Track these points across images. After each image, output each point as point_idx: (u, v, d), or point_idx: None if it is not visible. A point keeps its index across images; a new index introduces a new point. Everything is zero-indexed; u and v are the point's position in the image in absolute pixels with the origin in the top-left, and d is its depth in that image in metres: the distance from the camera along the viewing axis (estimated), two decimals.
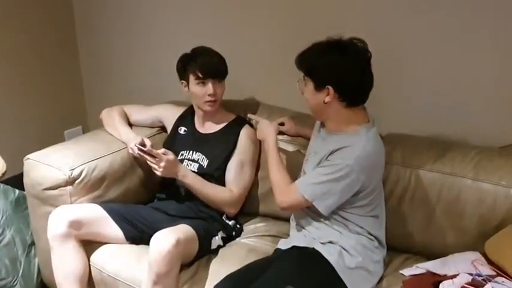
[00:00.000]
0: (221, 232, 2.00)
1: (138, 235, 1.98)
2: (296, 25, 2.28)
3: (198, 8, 2.56)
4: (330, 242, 1.74)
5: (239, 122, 2.16)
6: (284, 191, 1.77)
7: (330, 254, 1.69)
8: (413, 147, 1.99)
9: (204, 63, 2.04)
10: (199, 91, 2.05)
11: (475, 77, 1.99)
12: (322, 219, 1.77)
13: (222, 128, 2.15)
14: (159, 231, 1.76)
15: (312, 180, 1.70)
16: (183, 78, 2.11)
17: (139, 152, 1.98)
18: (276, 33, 2.35)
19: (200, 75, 2.03)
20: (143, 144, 2.02)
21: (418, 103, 2.13)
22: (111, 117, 2.23)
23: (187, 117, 2.22)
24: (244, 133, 2.12)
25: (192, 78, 2.06)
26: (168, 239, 1.72)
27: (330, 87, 1.65)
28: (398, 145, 2.00)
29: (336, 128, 1.74)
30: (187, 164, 2.10)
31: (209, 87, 2.04)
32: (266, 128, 1.96)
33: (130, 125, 2.27)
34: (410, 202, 1.91)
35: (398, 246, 1.95)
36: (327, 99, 1.68)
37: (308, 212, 1.79)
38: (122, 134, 2.17)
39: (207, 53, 2.09)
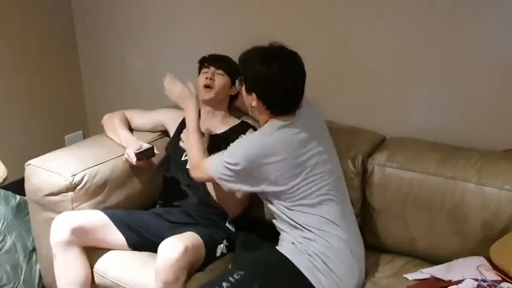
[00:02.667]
0: (225, 241, 1.99)
1: (141, 242, 1.97)
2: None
3: (200, 12, 2.56)
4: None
5: (243, 127, 2.15)
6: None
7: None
8: (415, 151, 1.98)
9: (212, 56, 2.16)
10: (200, 78, 2.12)
11: (476, 80, 2.00)
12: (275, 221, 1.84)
13: (226, 131, 2.14)
14: (168, 239, 1.75)
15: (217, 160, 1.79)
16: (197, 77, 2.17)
17: (138, 160, 2.02)
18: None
19: (206, 63, 2.13)
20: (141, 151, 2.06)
21: (419, 108, 2.13)
22: (112, 123, 2.23)
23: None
24: None
25: (201, 71, 2.15)
26: (176, 246, 1.71)
27: (254, 94, 1.76)
28: (400, 149, 2.00)
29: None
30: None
31: (209, 72, 2.10)
32: (188, 98, 1.99)
33: (131, 130, 2.26)
34: (413, 206, 1.90)
35: (401, 250, 1.95)
36: (254, 103, 1.78)
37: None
38: (122, 139, 2.16)
39: (220, 55, 2.18)
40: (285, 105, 1.75)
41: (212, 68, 2.12)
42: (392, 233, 1.96)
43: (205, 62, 2.17)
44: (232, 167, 1.73)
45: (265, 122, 1.78)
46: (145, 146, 2.09)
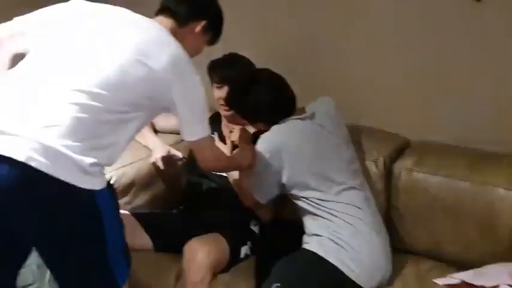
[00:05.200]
0: (249, 242, 2.00)
1: (167, 243, 1.98)
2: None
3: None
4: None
5: (259, 134, 2.15)
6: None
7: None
8: (442, 155, 1.99)
9: (223, 69, 2.06)
10: (217, 94, 2.09)
11: (504, 84, 1.99)
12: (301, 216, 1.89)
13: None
14: (192, 240, 1.76)
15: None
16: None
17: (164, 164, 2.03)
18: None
19: (217, 79, 2.07)
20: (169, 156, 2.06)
21: (444, 112, 2.12)
22: None
23: (215, 123, 2.22)
24: None
25: (213, 82, 2.09)
26: (201, 248, 1.72)
27: (259, 123, 1.93)
28: (427, 153, 2.01)
29: None
30: None
31: (224, 91, 2.05)
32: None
33: (156, 131, 2.27)
34: (441, 211, 1.90)
35: (427, 254, 1.94)
36: (262, 127, 1.91)
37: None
38: (148, 141, 2.17)
39: (232, 58, 2.10)
40: (282, 114, 1.88)
41: (226, 87, 2.05)
42: (418, 236, 1.95)
43: (215, 75, 2.08)
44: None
45: None
46: (173, 150, 2.11)
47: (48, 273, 2.15)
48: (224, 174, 2.07)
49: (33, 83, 1.34)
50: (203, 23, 1.60)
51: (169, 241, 1.97)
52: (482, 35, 1.97)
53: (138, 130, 1.49)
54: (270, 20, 2.39)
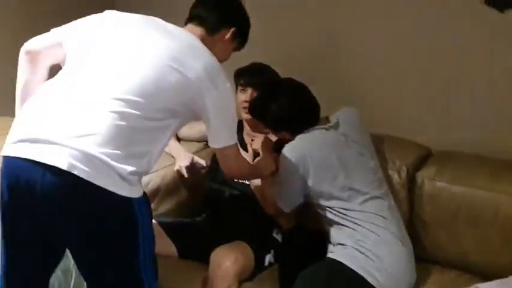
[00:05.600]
0: (273, 250, 2.01)
1: (190, 250, 2.00)
2: None
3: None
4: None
5: (282, 142, 2.16)
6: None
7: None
8: (465, 165, 2.00)
9: (249, 73, 2.12)
10: (240, 97, 2.11)
11: None
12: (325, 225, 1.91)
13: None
14: (219, 248, 1.78)
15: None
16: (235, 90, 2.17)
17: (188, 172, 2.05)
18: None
19: (242, 82, 2.10)
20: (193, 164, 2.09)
21: (465, 121, 2.14)
22: None
23: (237, 131, 2.23)
24: None
25: (238, 86, 2.13)
26: (228, 256, 1.74)
27: (284, 132, 1.93)
28: (450, 163, 2.02)
29: None
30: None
31: (247, 93, 2.08)
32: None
33: (178, 139, 2.30)
34: (465, 220, 1.91)
35: (451, 263, 1.95)
36: (287, 136, 1.92)
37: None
38: (172, 149, 2.19)
39: (258, 66, 2.15)
40: (307, 123, 1.90)
41: (249, 90, 2.10)
42: (442, 246, 1.96)
43: (241, 80, 2.14)
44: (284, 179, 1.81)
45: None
46: (196, 158, 2.14)
47: (73, 278, 2.18)
48: (246, 182, 2.09)
49: (71, 92, 1.37)
50: (232, 30, 1.63)
51: (194, 248, 1.99)
52: (507, 44, 1.98)
53: (170, 137, 1.51)
54: (291, 28, 2.42)
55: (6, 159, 1.33)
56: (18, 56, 1.54)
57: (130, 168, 1.31)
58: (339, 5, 2.29)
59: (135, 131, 1.34)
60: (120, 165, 1.29)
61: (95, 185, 1.27)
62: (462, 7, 2.01)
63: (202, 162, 2.17)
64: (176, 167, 2.12)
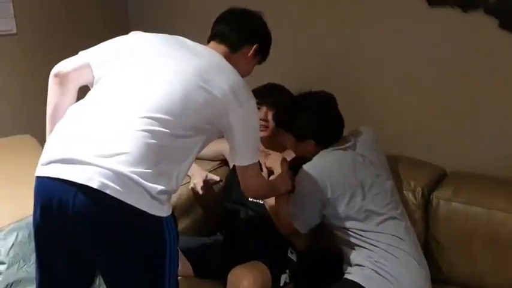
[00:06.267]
0: (288, 271, 2.00)
1: (206, 269, 1.99)
2: None
3: None
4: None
5: (299, 161, 2.17)
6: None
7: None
8: (480, 185, 2.01)
9: (264, 92, 2.12)
10: None
11: None
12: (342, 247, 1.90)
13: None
14: (237, 267, 1.78)
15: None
16: None
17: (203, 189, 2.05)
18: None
19: (256, 99, 2.09)
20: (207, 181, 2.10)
21: (480, 142, 2.15)
22: None
23: None
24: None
25: None
26: (246, 276, 1.74)
27: (309, 140, 1.91)
28: (465, 183, 2.03)
29: None
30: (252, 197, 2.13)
31: (262, 111, 2.09)
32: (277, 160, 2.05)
33: None
34: (481, 242, 1.91)
35: (467, 285, 1.95)
36: (309, 148, 1.92)
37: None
38: None
39: (274, 86, 2.17)
40: (333, 136, 1.93)
41: (264, 107, 2.11)
42: (458, 267, 1.96)
43: (256, 99, 2.14)
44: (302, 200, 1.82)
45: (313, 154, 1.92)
46: (210, 175, 2.14)
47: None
48: (260, 201, 2.09)
49: (100, 112, 1.38)
50: (255, 47, 1.65)
51: (210, 267, 1.98)
52: None
53: (196, 155, 1.52)
54: (312, 44, 2.44)
55: (39, 180, 1.34)
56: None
57: (160, 187, 1.32)
58: (353, 25, 2.31)
59: (164, 149, 1.35)
60: (151, 185, 1.30)
61: (128, 204, 1.27)
62: (482, 32, 2.04)
63: (216, 177, 2.17)
64: (191, 185, 2.13)
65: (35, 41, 2.49)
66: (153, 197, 1.31)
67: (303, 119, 1.91)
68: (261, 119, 2.10)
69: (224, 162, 2.36)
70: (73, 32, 2.60)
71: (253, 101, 1.54)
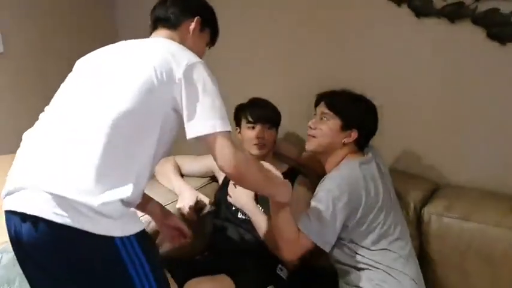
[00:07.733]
0: (271, 286, 1.95)
1: None
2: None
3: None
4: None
5: (292, 173, 2.14)
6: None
7: None
8: (473, 200, 1.96)
9: (255, 109, 2.11)
10: (249, 134, 2.09)
11: None
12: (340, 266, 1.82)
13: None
14: (191, 281, 1.79)
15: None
16: (237, 124, 2.15)
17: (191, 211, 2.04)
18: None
19: (250, 119, 2.09)
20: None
21: (474, 157, 2.10)
22: (165, 169, 2.24)
23: None
24: (299, 184, 2.10)
25: (244, 122, 2.12)
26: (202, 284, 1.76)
27: (355, 129, 1.81)
28: (458, 198, 1.98)
29: (329, 169, 1.86)
30: (241, 214, 2.09)
31: (258, 130, 2.07)
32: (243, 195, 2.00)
33: (182, 176, 2.28)
34: (475, 258, 1.86)
35: None
36: (347, 140, 1.82)
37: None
38: (174, 184, 2.18)
39: (259, 100, 2.16)
40: (370, 138, 1.90)
41: (259, 126, 2.08)
42: (452, 284, 1.91)
43: (247, 116, 2.10)
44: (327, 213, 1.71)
45: (335, 158, 1.85)
46: (201, 196, 2.12)
47: None
48: (249, 218, 2.05)
49: (46, 135, 1.35)
50: (196, 19, 1.59)
51: None
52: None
53: (155, 158, 1.38)
54: (301, 59, 2.41)
55: (4, 213, 1.33)
56: None
57: (105, 197, 1.19)
58: (342, 41, 2.29)
59: (107, 154, 1.25)
60: (89, 197, 1.19)
61: (70, 227, 1.19)
62: (470, 43, 2.01)
63: (206, 200, 2.14)
64: (178, 205, 2.09)
65: (23, 60, 2.49)
66: (95, 212, 1.18)
67: (360, 108, 1.87)
68: (258, 137, 2.07)
69: (213, 178, 2.32)
70: (60, 51, 2.60)
71: (198, 61, 1.39)
